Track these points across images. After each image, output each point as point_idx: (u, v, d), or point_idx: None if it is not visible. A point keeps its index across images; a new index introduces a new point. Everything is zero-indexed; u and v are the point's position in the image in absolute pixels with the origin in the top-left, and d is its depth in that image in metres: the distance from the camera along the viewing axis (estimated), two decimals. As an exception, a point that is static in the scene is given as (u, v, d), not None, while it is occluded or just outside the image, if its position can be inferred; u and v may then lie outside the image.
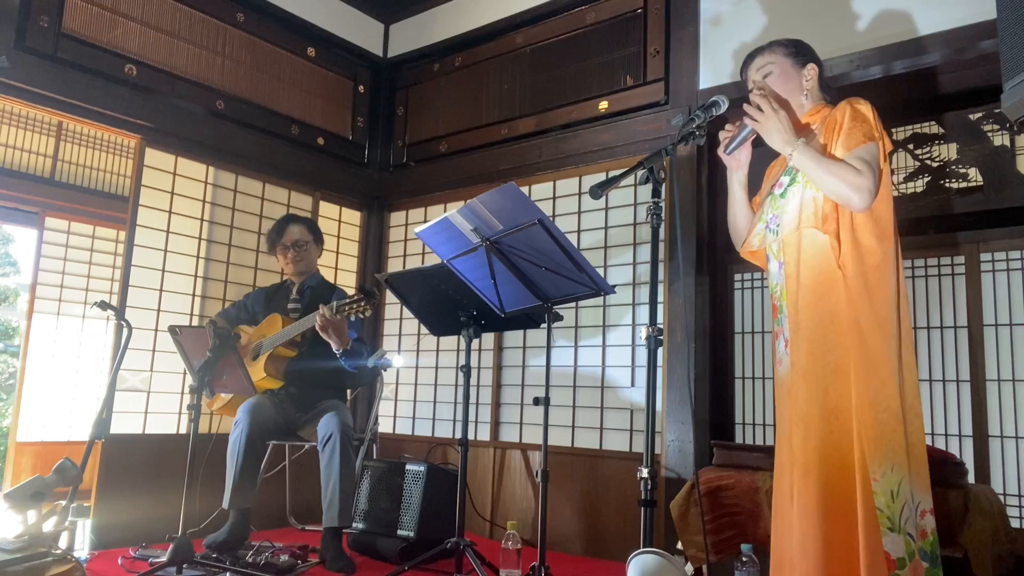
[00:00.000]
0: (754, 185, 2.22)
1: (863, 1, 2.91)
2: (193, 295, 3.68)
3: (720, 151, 2.10)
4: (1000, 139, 3.05)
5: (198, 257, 3.71)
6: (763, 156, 2.23)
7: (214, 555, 2.79)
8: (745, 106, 1.97)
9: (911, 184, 3.23)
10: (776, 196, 2.01)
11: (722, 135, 2.09)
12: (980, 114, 3.10)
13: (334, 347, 3.03)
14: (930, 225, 3.05)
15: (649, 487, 1.85)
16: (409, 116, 4.55)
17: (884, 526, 1.73)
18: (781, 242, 1.98)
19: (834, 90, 2.12)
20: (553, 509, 3.41)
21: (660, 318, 3.18)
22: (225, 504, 2.99)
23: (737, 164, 2.12)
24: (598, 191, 1.88)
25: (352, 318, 2.94)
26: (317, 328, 2.96)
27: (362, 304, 2.88)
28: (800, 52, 2.06)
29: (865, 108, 1.89)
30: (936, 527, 1.80)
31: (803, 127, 2.01)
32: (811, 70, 2.04)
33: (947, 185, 3.17)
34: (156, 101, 3.53)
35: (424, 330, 3.88)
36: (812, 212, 1.88)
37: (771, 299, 2.07)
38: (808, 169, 1.87)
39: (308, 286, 3.45)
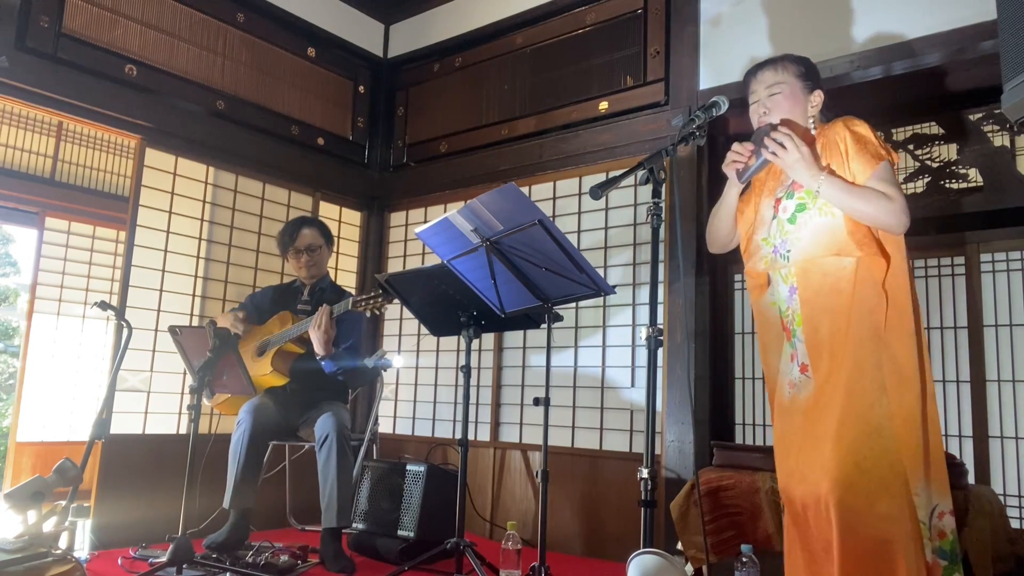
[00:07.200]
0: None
1: (863, 1, 2.91)
2: (193, 295, 3.68)
3: (729, 173, 2.07)
4: (1000, 139, 3.05)
5: (198, 257, 3.71)
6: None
7: (214, 555, 2.79)
8: (765, 139, 1.94)
9: (911, 184, 3.23)
10: (783, 220, 1.99)
11: (731, 155, 2.05)
12: (980, 114, 3.10)
13: (316, 349, 3.05)
14: (930, 226, 3.05)
15: (649, 487, 1.85)
16: (409, 116, 4.55)
17: (924, 537, 1.77)
18: (795, 267, 1.96)
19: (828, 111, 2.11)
20: (553, 509, 3.41)
21: (660, 318, 3.18)
22: (226, 504, 2.98)
23: (743, 181, 2.12)
24: (598, 191, 1.88)
25: (368, 314, 2.99)
26: (310, 328, 3.00)
27: (379, 300, 2.92)
28: (809, 75, 2.05)
29: (864, 129, 1.89)
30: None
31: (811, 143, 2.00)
32: (818, 96, 2.03)
33: (947, 186, 3.17)
34: (156, 101, 3.53)
35: (424, 330, 3.88)
36: (832, 240, 1.88)
37: (779, 321, 2.04)
38: (838, 201, 1.86)
39: (319, 288, 3.44)
